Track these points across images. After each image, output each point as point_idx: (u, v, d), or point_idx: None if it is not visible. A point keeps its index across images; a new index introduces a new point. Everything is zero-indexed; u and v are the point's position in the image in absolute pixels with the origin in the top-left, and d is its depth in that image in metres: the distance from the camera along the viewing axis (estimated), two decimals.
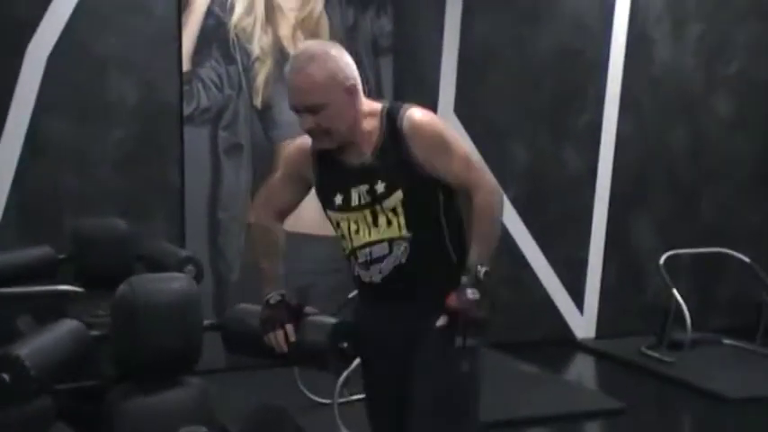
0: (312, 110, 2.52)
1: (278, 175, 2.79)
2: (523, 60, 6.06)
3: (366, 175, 2.54)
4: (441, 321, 2.48)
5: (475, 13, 5.91)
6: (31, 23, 5.02)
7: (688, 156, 6.47)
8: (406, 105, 2.62)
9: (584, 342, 6.19)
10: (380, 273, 2.57)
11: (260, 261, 2.73)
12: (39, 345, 2.41)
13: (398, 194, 2.52)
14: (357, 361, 4.01)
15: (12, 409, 2.45)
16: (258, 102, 5.49)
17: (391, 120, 2.56)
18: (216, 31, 5.37)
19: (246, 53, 5.44)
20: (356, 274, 2.64)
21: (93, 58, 5.18)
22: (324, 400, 4.28)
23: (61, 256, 4.27)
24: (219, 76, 5.41)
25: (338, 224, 2.62)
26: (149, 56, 5.27)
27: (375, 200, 2.53)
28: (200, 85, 5.37)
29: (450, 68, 5.90)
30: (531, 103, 6.10)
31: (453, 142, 2.57)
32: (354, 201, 2.56)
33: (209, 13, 5.35)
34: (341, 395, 4.28)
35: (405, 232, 2.54)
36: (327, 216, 2.66)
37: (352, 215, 2.57)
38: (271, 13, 5.48)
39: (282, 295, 2.64)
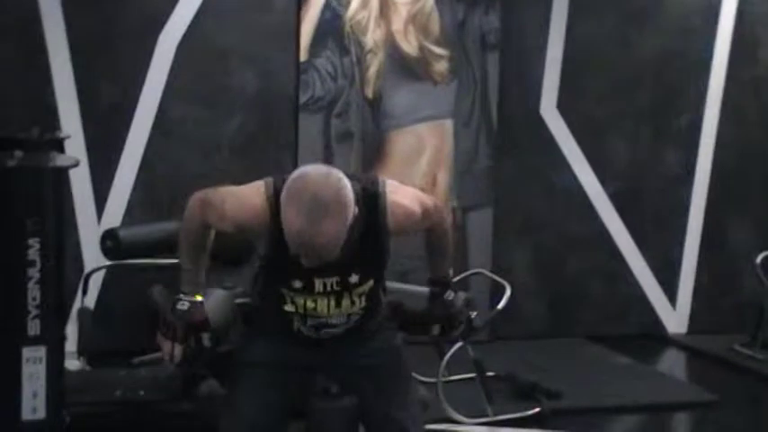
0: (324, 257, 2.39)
1: (229, 220, 2.56)
2: (626, 60, 6.19)
3: (338, 267, 2.48)
4: (435, 330, 2.82)
5: (581, 12, 6.07)
6: (161, 17, 5.36)
7: None
8: (381, 188, 2.54)
9: (676, 337, 6.31)
10: (332, 336, 2.63)
11: (186, 259, 2.63)
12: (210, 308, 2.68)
13: (370, 283, 2.59)
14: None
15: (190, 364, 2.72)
16: (369, 92, 5.75)
17: (370, 209, 2.50)
18: (332, 24, 5.64)
19: (360, 45, 5.69)
20: (295, 328, 2.61)
21: (217, 49, 5.50)
22: (427, 379, 4.51)
23: None
24: (334, 67, 5.68)
25: (292, 300, 2.56)
26: (269, 47, 5.58)
27: (345, 288, 2.54)
28: (315, 75, 5.65)
29: (555, 65, 6.07)
30: (632, 102, 6.23)
31: (422, 206, 2.60)
32: (319, 288, 2.52)
33: (326, 6, 5.62)
34: (443, 375, 4.51)
35: (365, 304, 2.62)
36: (274, 290, 2.57)
37: (313, 296, 2.54)
38: (384, 7, 5.73)
39: (192, 304, 2.56)
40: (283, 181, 2.43)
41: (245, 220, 2.53)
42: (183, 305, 2.55)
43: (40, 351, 2.43)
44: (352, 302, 2.59)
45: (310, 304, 2.55)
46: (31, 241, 2.42)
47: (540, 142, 6.09)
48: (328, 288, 2.54)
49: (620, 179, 6.24)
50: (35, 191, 2.44)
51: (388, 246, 2.58)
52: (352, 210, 2.39)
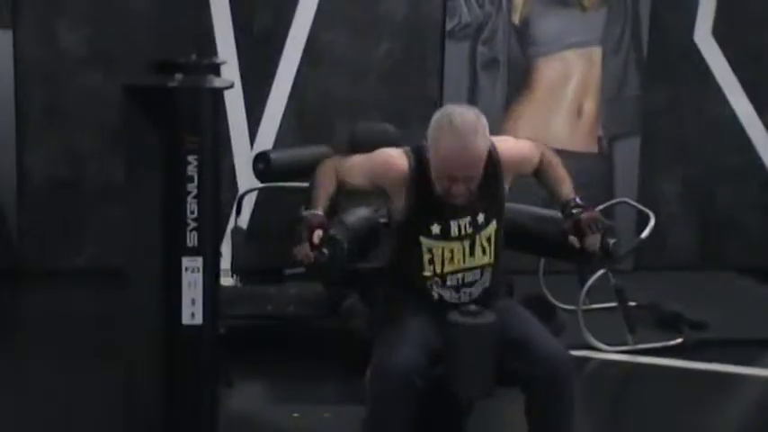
0: (468, 179, 2.65)
1: (357, 171, 2.81)
2: None
3: (468, 208, 2.72)
4: (577, 244, 2.78)
5: None
6: None
7: None
8: (497, 139, 2.81)
9: None
10: (470, 296, 2.77)
11: (316, 188, 2.79)
12: (347, 228, 2.82)
13: (494, 224, 2.77)
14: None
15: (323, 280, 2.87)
16: (516, 18, 5.71)
17: (489, 153, 2.70)
18: None
19: None
20: (436, 296, 2.77)
21: None
22: (568, 306, 4.54)
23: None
24: None
25: (430, 250, 2.74)
26: None
27: (475, 229, 2.74)
28: (462, 2, 5.64)
29: None
30: None
31: (525, 144, 2.88)
32: (454, 231, 2.73)
33: None
34: (584, 302, 4.53)
35: (493, 259, 2.79)
36: (414, 243, 2.74)
37: (449, 244, 2.73)
38: None
39: (312, 214, 2.69)
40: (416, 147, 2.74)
41: (384, 172, 2.77)
42: (305, 214, 2.72)
43: (198, 261, 2.59)
44: (483, 250, 2.77)
45: (447, 254, 2.75)
46: (189, 158, 2.57)
47: (694, 71, 5.93)
48: (462, 231, 2.75)
49: None
50: (193, 110, 2.58)
51: (504, 186, 2.81)
52: (489, 139, 2.68)
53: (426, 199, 2.72)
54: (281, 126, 5.59)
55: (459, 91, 5.71)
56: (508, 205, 2.93)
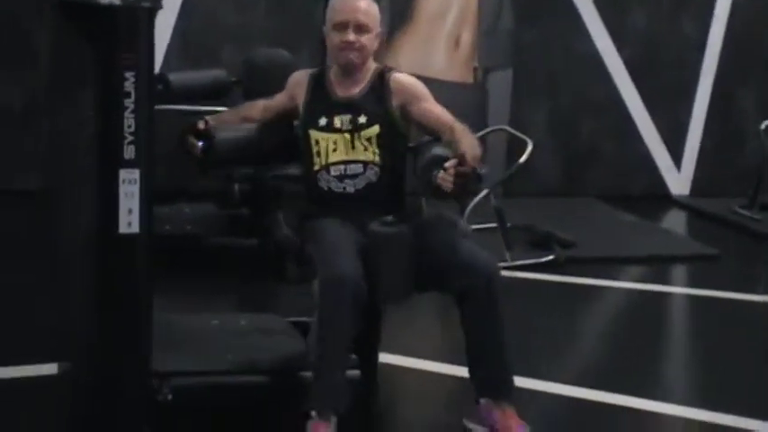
0: (359, 29, 3.06)
1: (278, 95, 3.29)
2: None
3: (351, 107, 3.11)
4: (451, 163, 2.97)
5: None
6: None
7: None
8: (396, 69, 3.23)
9: (679, 198, 6.67)
10: (355, 186, 3.09)
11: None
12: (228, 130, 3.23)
13: (375, 128, 3.09)
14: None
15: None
16: None
17: (381, 74, 3.16)
18: None
19: None
20: (326, 188, 3.10)
21: None
22: None
23: (233, 79, 4.82)
24: None
25: (317, 142, 3.11)
26: None
27: (355, 128, 3.09)
28: None
29: None
30: None
31: (431, 97, 3.18)
32: (337, 124, 3.10)
33: None
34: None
35: (378, 159, 3.09)
36: (306, 135, 3.14)
37: (332, 135, 3.10)
38: None
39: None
40: None
41: (294, 80, 3.26)
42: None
43: (135, 173, 2.71)
44: (365, 148, 3.09)
45: (332, 145, 3.09)
46: (127, 74, 2.67)
47: (561, 7, 6.28)
48: (343, 125, 3.10)
49: (635, 46, 6.47)
50: (132, 28, 2.68)
51: (392, 103, 3.12)
52: (379, 16, 3.13)
53: (320, 97, 3.15)
54: (167, 49, 5.62)
55: None
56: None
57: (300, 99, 3.19)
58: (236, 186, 4.63)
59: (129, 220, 2.74)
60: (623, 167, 6.60)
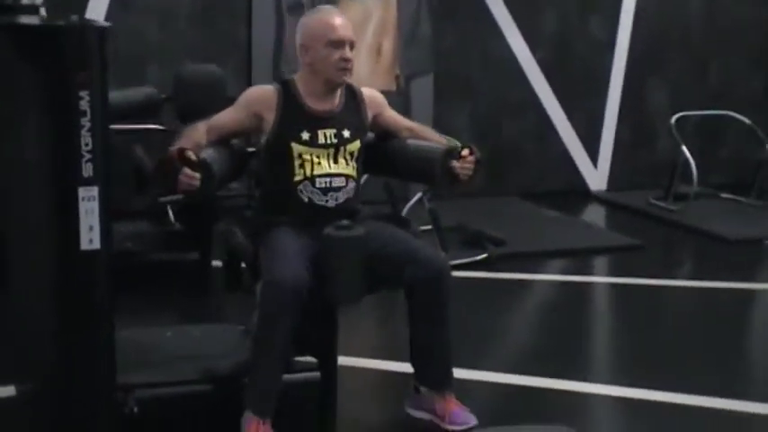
0: (351, 47, 3.13)
1: (227, 111, 3.21)
2: None
3: (334, 121, 3.15)
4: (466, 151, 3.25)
5: None
6: None
7: (702, 23, 7.04)
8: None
9: (597, 193, 6.93)
10: (336, 200, 3.13)
11: (182, 138, 3.12)
12: (216, 156, 3.09)
13: (358, 143, 3.18)
14: None
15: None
16: None
17: (350, 88, 3.23)
18: None
19: None
20: (305, 199, 3.10)
21: None
22: None
23: (163, 96, 4.86)
24: None
25: (300, 155, 3.10)
26: None
27: (341, 142, 3.14)
28: None
29: None
30: None
31: (380, 96, 3.34)
32: (321, 139, 3.12)
33: None
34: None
35: (355, 174, 3.18)
36: (287, 149, 3.10)
37: (317, 150, 3.11)
38: None
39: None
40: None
41: (257, 96, 3.20)
42: (170, 149, 3.05)
43: (94, 191, 2.77)
44: (346, 162, 3.15)
45: (316, 159, 3.11)
46: (81, 93, 2.73)
47: (476, 12, 6.48)
48: (328, 140, 3.13)
49: (548, 47, 6.71)
50: (83, 48, 2.75)
51: (368, 115, 3.25)
52: None
53: (296, 111, 3.13)
54: None
55: (267, 35, 5.96)
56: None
57: (270, 114, 3.13)
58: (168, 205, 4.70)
59: (90, 236, 2.79)
60: (544, 166, 6.83)
